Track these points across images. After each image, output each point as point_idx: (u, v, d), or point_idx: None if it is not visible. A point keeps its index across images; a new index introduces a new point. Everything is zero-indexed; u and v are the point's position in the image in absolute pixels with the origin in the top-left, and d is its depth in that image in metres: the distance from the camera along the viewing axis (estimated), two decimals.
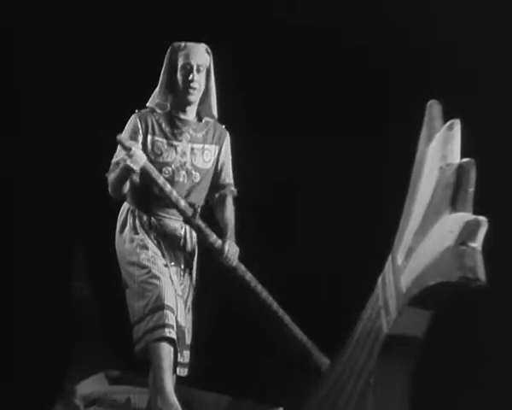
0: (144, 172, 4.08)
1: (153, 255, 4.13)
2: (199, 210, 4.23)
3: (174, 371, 4.08)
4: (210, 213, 4.33)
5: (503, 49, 4.70)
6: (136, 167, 4.04)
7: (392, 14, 4.89)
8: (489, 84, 4.67)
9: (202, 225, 4.19)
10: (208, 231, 4.19)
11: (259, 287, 4.27)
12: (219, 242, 4.19)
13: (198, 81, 4.20)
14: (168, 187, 4.12)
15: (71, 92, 5.22)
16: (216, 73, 4.27)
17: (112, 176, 4.17)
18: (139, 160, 4.04)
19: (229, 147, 4.36)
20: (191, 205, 4.18)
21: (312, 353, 4.31)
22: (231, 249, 4.19)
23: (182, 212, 4.16)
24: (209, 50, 4.26)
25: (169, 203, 4.15)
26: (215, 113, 4.31)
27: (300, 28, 5.12)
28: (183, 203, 4.15)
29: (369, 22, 4.97)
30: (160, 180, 4.10)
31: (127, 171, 4.07)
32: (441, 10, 4.82)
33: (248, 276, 4.26)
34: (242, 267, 4.25)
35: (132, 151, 4.02)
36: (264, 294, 4.28)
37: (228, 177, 4.36)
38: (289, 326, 4.30)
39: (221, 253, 4.18)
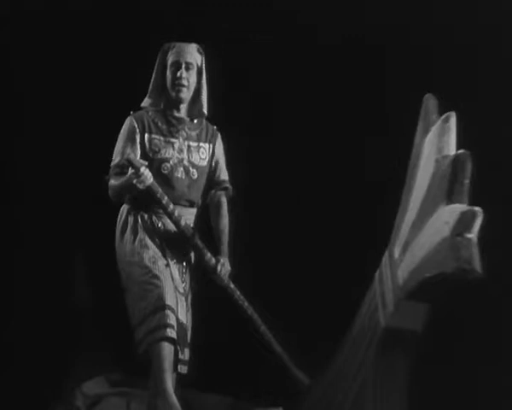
0: (150, 191, 4.11)
1: (153, 255, 4.15)
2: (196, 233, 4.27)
3: (175, 370, 4.08)
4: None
5: (498, 44, 4.70)
6: (143, 187, 4.07)
7: (390, 10, 4.90)
8: (485, 78, 4.68)
9: (200, 244, 4.25)
10: (205, 250, 4.26)
11: (246, 305, 4.35)
12: (213, 260, 4.27)
13: (187, 78, 4.26)
14: (171, 206, 4.16)
15: (70, 94, 5.23)
16: (209, 72, 4.32)
17: (113, 183, 4.20)
18: (146, 180, 4.06)
19: (221, 147, 4.42)
20: (192, 228, 4.24)
21: (291, 370, 4.39)
22: (223, 269, 4.27)
23: (181, 231, 4.21)
24: (201, 50, 4.34)
25: (170, 220, 4.19)
26: (205, 111, 4.36)
27: (298, 27, 5.15)
28: (183, 223, 4.20)
29: (367, 18, 4.98)
30: (164, 200, 4.14)
31: (133, 187, 4.09)
32: (439, 5, 4.83)
33: (237, 294, 4.34)
34: (231, 285, 4.33)
35: (141, 172, 4.04)
36: (250, 311, 4.36)
37: (222, 174, 4.42)
38: (271, 344, 4.40)
39: (214, 272, 4.26)
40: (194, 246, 4.25)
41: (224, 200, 4.40)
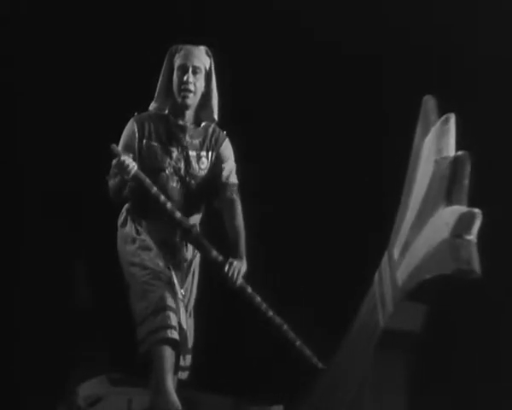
0: (137, 181, 4.07)
1: (155, 256, 4.12)
2: (197, 227, 4.17)
3: (175, 374, 4.08)
4: (211, 229, 4.29)
5: (498, 45, 4.71)
6: (127, 176, 4.03)
7: (389, 11, 4.91)
8: (484, 79, 4.69)
9: (201, 238, 4.12)
10: (208, 245, 4.12)
11: (269, 312, 4.14)
12: (221, 258, 4.11)
13: (193, 83, 4.16)
14: (162, 197, 4.08)
15: (74, 95, 5.24)
16: (218, 75, 4.26)
17: (111, 181, 4.17)
18: (129, 169, 4.02)
19: (228, 150, 4.29)
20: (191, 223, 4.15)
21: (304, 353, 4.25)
22: (235, 267, 4.09)
23: (178, 224, 4.11)
24: (210, 53, 4.23)
25: (165, 215, 4.10)
26: (215, 116, 4.27)
27: (299, 28, 5.15)
28: (178, 214, 4.11)
29: (367, 20, 4.98)
30: (154, 190, 4.08)
31: (121, 179, 4.07)
32: (439, 5, 4.83)
33: (257, 300, 4.12)
34: (249, 289, 4.12)
35: (121, 160, 4.01)
36: (277, 320, 4.14)
37: (228, 178, 4.26)
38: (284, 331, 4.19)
39: (222, 270, 4.09)
40: (194, 241, 4.13)
41: (235, 198, 4.23)
